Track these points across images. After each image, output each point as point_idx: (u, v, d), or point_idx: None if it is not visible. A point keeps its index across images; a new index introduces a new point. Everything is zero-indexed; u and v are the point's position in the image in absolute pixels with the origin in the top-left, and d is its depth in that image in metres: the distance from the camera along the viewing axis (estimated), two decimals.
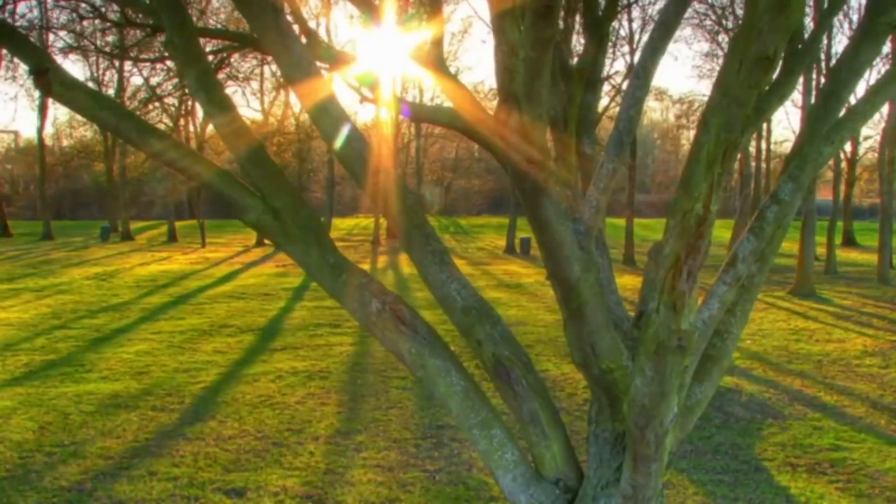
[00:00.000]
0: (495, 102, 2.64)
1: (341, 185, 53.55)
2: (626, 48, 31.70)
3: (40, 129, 47.26)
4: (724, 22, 29.75)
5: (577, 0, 5.41)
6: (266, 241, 37.81)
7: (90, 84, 38.69)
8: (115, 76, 43.11)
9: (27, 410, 9.84)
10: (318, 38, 6.14)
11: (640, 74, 3.78)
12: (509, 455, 3.39)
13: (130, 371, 12.11)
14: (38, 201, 53.83)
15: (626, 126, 3.73)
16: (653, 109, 67.61)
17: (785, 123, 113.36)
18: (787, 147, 33.45)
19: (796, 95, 25.54)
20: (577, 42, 18.49)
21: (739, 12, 26.39)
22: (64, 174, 59.15)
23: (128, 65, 39.17)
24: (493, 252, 38.02)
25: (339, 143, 3.23)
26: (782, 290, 22.25)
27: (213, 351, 13.76)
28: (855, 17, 28.64)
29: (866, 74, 4.51)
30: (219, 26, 24.49)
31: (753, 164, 35.44)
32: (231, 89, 37.44)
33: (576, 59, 4.52)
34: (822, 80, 24.39)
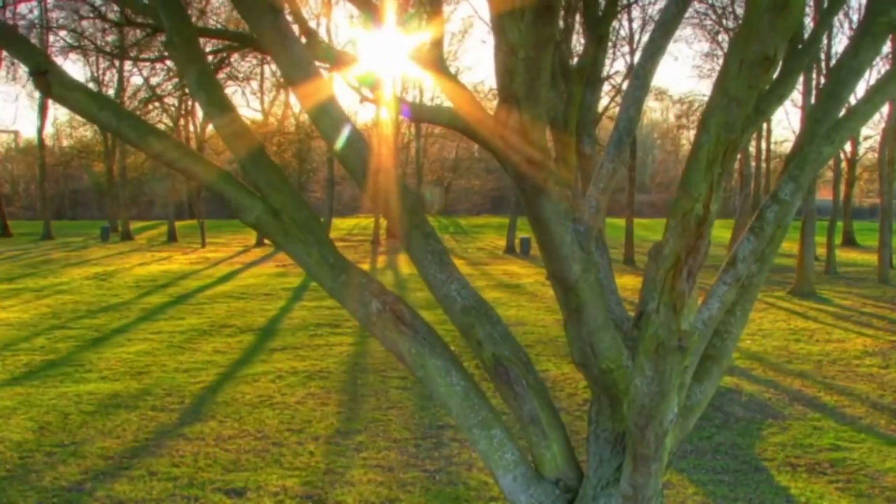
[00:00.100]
0: (495, 102, 2.64)
1: (341, 185, 53.54)
2: (626, 48, 31.71)
3: (40, 130, 47.37)
4: (724, 22, 29.75)
5: (577, 0, 5.42)
6: (266, 241, 37.82)
7: (90, 84, 38.77)
8: (115, 76, 43.16)
9: (27, 410, 9.84)
10: (318, 39, 6.14)
11: (640, 74, 3.78)
12: (509, 455, 3.39)
13: (130, 371, 12.11)
14: (38, 201, 53.89)
15: (626, 126, 3.73)
16: (653, 109, 67.70)
17: (785, 123, 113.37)
18: (787, 147, 33.44)
19: (796, 95, 25.58)
20: (577, 42, 18.53)
21: (739, 12, 26.39)
22: (64, 174, 59.17)
23: (128, 65, 39.20)
24: (493, 252, 38.01)
25: (339, 143, 3.23)
26: (782, 290, 22.24)
27: (213, 351, 13.76)
28: (855, 17, 28.66)
29: (866, 74, 4.51)
30: (219, 26, 24.48)
31: (753, 164, 35.46)
32: (231, 89, 37.53)
33: (576, 59, 4.52)
34: (822, 80, 24.38)
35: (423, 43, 4.18)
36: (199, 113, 40.94)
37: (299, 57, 3.10)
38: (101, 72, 44.16)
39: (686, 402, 3.41)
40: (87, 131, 51.39)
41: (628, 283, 21.77)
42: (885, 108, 29.01)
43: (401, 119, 36.90)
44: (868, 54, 3.60)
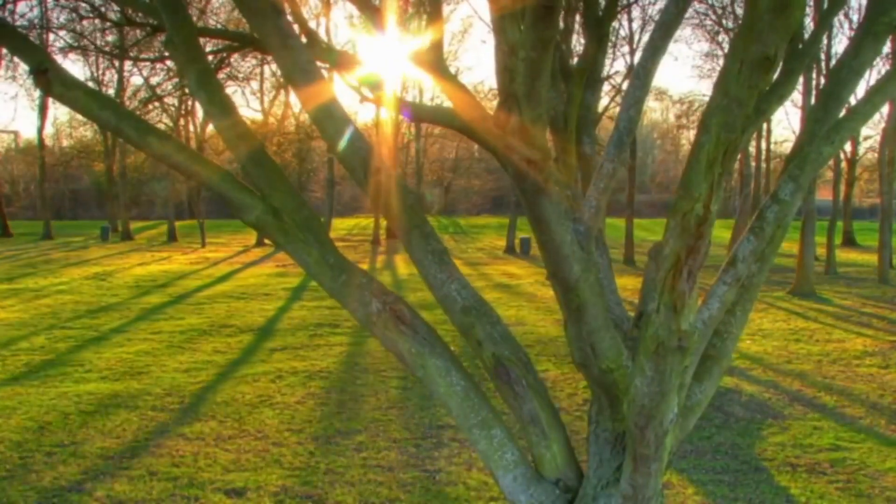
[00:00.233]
0: (495, 102, 2.65)
1: (341, 185, 53.53)
2: (626, 48, 31.71)
3: (40, 129, 47.34)
4: (724, 22, 29.73)
5: (577, 0, 5.42)
6: (266, 241, 37.84)
7: (90, 84, 38.68)
8: (115, 76, 43.11)
9: (27, 410, 9.84)
10: (318, 39, 6.15)
11: (641, 75, 3.78)
12: (509, 455, 3.39)
13: (130, 371, 12.11)
14: (38, 201, 53.87)
15: (626, 126, 3.73)
16: (653, 109, 67.71)
17: (785, 123, 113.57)
18: (787, 147, 33.48)
19: (796, 95, 25.55)
20: (577, 42, 18.52)
21: (739, 12, 26.38)
22: (64, 174, 59.16)
23: (128, 64, 39.17)
24: (492, 252, 38.01)
25: (341, 145, 3.24)
26: (782, 290, 22.25)
27: (213, 351, 13.76)
28: (855, 17, 28.65)
29: (866, 74, 4.51)
30: (219, 26, 24.47)
31: (753, 164, 35.46)
32: (231, 89, 37.46)
33: (576, 59, 4.52)
34: (822, 80, 24.39)
35: (423, 44, 4.18)
36: (199, 113, 40.99)
37: (302, 59, 3.10)
38: (101, 72, 44.14)
39: (686, 402, 3.42)
40: (87, 131, 51.45)
41: (628, 283, 21.77)
42: (885, 108, 29.00)
43: (401, 119, 36.92)
44: (868, 55, 3.60)
